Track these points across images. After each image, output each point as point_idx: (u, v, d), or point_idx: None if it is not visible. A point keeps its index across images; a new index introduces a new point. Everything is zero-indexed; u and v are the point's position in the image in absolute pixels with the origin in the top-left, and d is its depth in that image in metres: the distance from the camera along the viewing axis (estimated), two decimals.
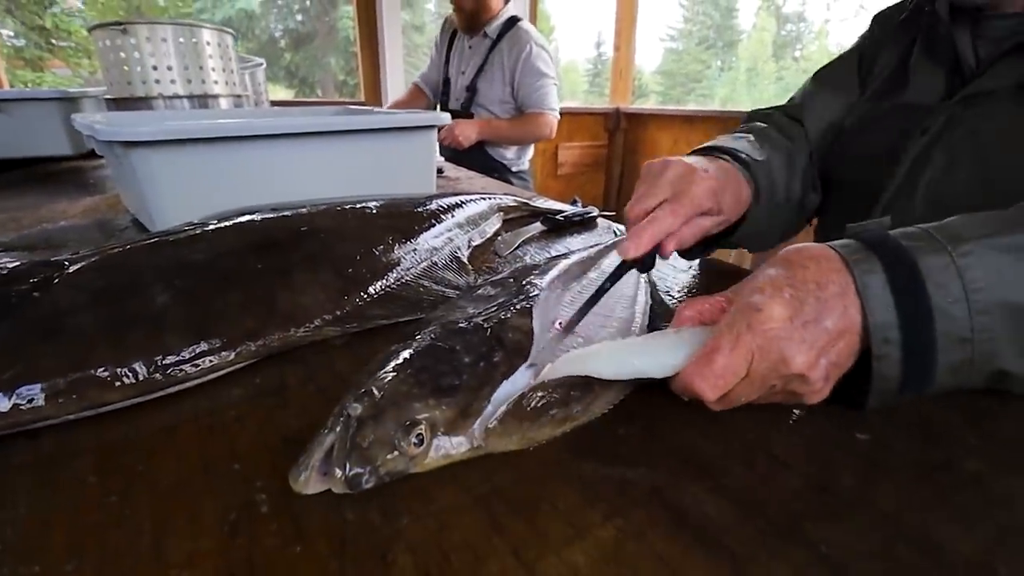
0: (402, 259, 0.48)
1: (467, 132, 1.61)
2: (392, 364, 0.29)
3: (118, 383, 0.30)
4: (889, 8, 0.66)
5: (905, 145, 0.56)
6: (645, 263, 0.41)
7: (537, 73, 1.66)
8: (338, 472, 0.24)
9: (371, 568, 0.22)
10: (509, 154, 1.80)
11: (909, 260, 0.30)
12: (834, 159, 0.64)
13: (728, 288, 0.34)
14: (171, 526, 0.24)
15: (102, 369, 0.30)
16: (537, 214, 0.77)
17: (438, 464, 0.27)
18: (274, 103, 1.80)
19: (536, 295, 0.38)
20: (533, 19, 2.99)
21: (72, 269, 0.34)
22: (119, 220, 0.77)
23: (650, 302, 0.46)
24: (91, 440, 0.30)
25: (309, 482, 0.24)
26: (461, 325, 0.33)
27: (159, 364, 0.32)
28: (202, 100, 1.06)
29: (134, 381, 0.31)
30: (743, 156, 0.51)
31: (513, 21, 1.70)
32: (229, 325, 0.35)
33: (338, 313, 0.40)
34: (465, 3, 1.65)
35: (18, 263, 0.34)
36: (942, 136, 0.53)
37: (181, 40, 1.02)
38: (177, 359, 0.32)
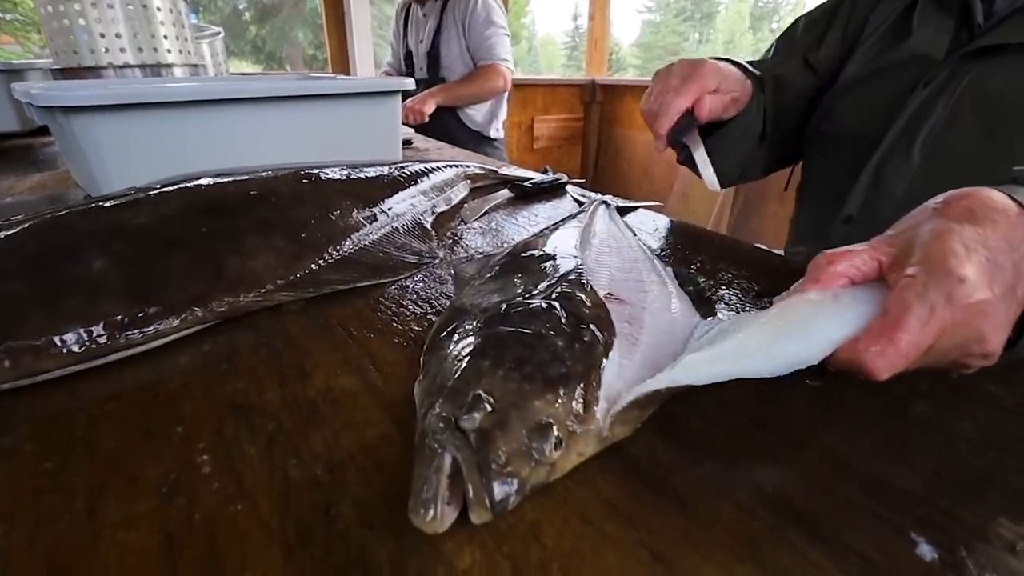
0: (362, 224, 0.47)
1: (423, 104, 1.59)
2: (476, 361, 0.25)
3: (53, 350, 0.29)
4: None
5: (903, 98, 0.55)
6: (684, 131, 0.52)
7: (485, 22, 1.64)
8: (477, 497, 0.20)
9: (314, 522, 0.21)
10: (478, 117, 1.78)
11: None
12: (827, 115, 0.64)
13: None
14: (107, 489, 0.23)
15: (35, 335, 0.29)
16: (505, 181, 0.76)
17: (571, 465, 0.23)
18: (236, 76, 1.73)
19: (579, 266, 0.36)
20: None
21: (1, 235, 0.33)
22: (70, 195, 0.74)
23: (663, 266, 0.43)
24: (28, 410, 0.29)
25: (443, 518, 0.20)
26: (526, 308, 0.29)
27: (97, 330, 0.30)
28: (155, 69, 1.01)
29: (71, 348, 0.29)
30: (742, 64, 0.59)
31: None
32: (173, 290, 0.33)
33: (291, 278, 0.39)
34: None
35: None
36: (945, 88, 0.52)
37: (130, 6, 0.96)
38: (117, 325, 0.31)
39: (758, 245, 0.87)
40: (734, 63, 0.59)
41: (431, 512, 0.19)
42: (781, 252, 0.76)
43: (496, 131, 1.83)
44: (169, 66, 1.02)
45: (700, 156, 0.55)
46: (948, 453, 0.26)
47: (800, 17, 0.70)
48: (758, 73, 0.58)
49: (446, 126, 1.65)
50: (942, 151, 0.52)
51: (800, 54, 0.66)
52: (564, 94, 3.00)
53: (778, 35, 0.71)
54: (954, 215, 0.27)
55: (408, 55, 1.84)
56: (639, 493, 0.23)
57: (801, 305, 0.26)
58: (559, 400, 0.23)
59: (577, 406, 0.24)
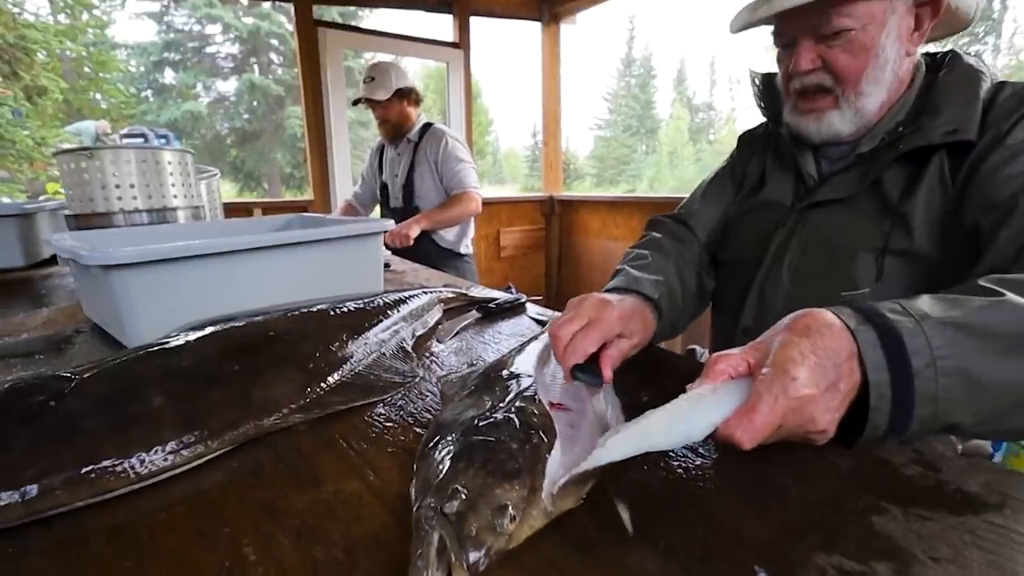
0: (355, 353, 0.57)
1: (409, 229, 1.80)
2: (455, 464, 0.34)
3: (123, 472, 0.37)
4: (753, 128, 0.89)
5: (770, 234, 0.74)
6: (589, 374, 0.49)
7: (455, 159, 1.94)
8: (457, 561, 0.28)
9: None
10: (450, 237, 2.00)
11: (896, 332, 0.37)
12: (721, 244, 0.82)
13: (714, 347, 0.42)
14: None
15: (110, 461, 0.37)
16: (473, 303, 0.88)
17: (525, 535, 0.32)
18: (226, 205, 1.90)
19: (531, 384, 0.47)
20: (469, 112, 3.29)
21: (79, 381, 0.42)
22: (79, 330, 0.82)
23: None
24: (99, 524, 0.36)
25: None
26: (490, 420, 0.40)
27: (156, 454, 0.39)
28: (161, 213, 1.14)
29: (136, 470, 0.38)
30: (645, 293, 0.62)
31: (428, 125, 2.02)
32: (213, 418, 0.42)
33: (302, 403, 0.48)
34: (390, 116, 1.96)
35: (33, 378, 0.41)
36: (795, 230, 0.71)
37: (144, 161, 1.12)
38: (170, 450, 0.40)
39: (693, 347, 1.01)
40: (638, 292, 0.62)
41: (424, 575, 0.28)
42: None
43: (466, 247, 2.03)
44: (174, 209, 1.15)
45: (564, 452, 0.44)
46: (791, 510, 0.36)
47: (713, 177, 0.88)
48: (656, 296, 0.62)
49: (421, 246, 1.83)
50: (802, 275, 0.68)
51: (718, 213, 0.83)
52: (526, 208, 3.31)
53: (704, 185, 0.88)
54: (797, 330, 0.39)
55: (384, 187, 2.11)
56: (571, 553, 0.32)
57: (692, 396, 0.38)
58: (514, 488, 0.33)
59: (526, 491, 0.33)
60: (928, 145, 0.61)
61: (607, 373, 0.49)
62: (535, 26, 3.42)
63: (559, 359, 0.50)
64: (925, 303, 0.40)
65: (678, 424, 0.36)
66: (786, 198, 0.74)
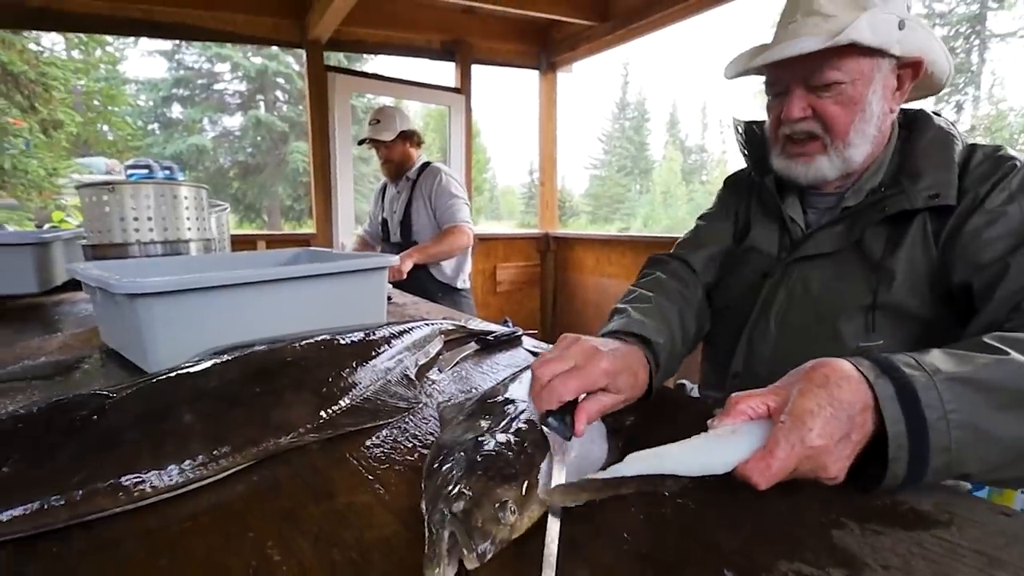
0: (363, 379, 0.62)
1: (401, 264, 1.84)
2: (459, 475, 0.39)
3: (156, 481, 0.41)
4: (737, 172, 0.92)
5: (758, 283, 0.77)
6: (560, 424, 0.45)
7: (448, 195, 2.03)
8: (468, 552, 0.33)
9: None
10: (447, 272, 2.07)
11: (911, 386, 0.40)
12: (716, 287, 0.85)
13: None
14: None
15: (144, 470, 0.41)
16: (472, 335, 0.93)
17: (525, 526, 0.37)
18: (232, 237, 1.95)
19: (524, 409, 0.51)
20: (469, 152, 3.42)
21: (117, 399, 0.46)
22: (95, 355, 0.86)
23: None
24: (133, 528, 0.40)
25: (446, 571, 0.32)
26: (491, 437, 0.44)
27: (186, 465, 0.43)
28: (174, 245, 1.19)
29: (167, 480, 0.42)
30: (645, 336, 0.59)
31: (426, 164, 2.13)
32: (236, 435, 0.46)
33: (316, 423, 0.52)
34: (393, 156, 2.09)
35: (75, 395, 0.46)
36: (782, 281, 0.75)
37: (162, 195, 1.18)
38: (198, 463, 0.44)
39: (683, 381, 1.05)
40: (642, 338, 0.59)
41: (437, 569, 0.32)
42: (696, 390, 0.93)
43: (463, 282, 2.10)
44: (187, 242, 1.21)
45: (555, 463, 0.43)
46: (763, 524, 0.40)
47: (713, 219, 0.89)
48: (661, 340, 0.59)
49: (420, 281, 1.89)
50: (788, 325, 0.72)
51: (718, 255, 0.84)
52: (522, 245, 3.39)
53: (703, 227, 0.89)
54: (815, 380, 0.42)
55: (384, 223, 2.21)
56: (563, 553, 0.36)
57: (712, 435, 0.42)
58: (512, 488, 0.38)
59: (524, 489, 0.39)
60: (911, 208, 0.65)
61: (579, 427, 0.46)
62: (533, 74, 3.59)
63: (534, 399, 0.47)
64: (937, 358, 0.43)
65: (700, 456, 0.40)
66: (772, 247, 0.77)
